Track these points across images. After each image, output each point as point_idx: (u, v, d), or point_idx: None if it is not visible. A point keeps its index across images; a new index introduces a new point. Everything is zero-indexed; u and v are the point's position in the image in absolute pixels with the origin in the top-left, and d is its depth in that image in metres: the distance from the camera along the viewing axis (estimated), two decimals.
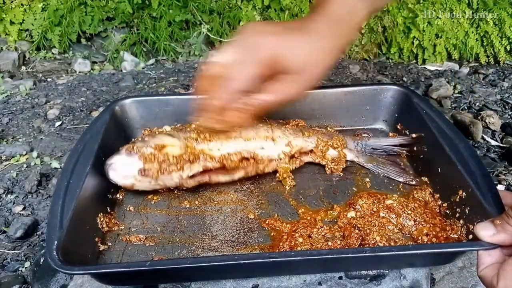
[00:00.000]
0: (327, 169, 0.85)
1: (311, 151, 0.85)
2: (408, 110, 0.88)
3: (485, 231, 0.57)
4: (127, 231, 0.73)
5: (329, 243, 0.68)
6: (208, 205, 0.78)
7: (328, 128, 0.92)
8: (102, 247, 0.68)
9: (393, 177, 0.83)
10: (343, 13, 0.68)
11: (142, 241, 0.70)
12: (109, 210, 0.75)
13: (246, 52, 0.64)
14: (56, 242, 0.57)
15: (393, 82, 1.57)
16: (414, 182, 0.81)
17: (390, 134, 0.92)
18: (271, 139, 0.81)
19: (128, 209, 0.77)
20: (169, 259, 0.66)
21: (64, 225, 0.60)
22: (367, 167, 0.86)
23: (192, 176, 0.76)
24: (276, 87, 0.66)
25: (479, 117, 1.37)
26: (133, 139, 0.85)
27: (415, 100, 0.87)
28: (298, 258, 0.58)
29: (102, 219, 0.71)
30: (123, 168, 0.74)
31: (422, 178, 0.81)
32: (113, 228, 0.73)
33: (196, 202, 0.79)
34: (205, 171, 0.77)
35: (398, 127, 0.91)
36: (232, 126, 0.72)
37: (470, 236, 0.64)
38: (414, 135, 0.86)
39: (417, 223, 0.71)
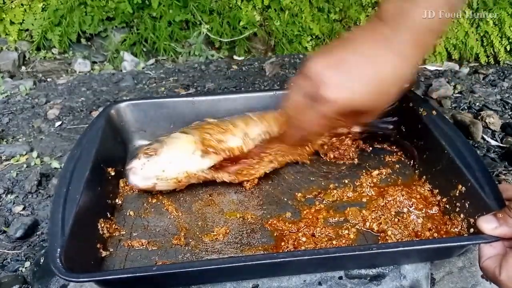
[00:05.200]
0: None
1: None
2: (407, 109, 0.88)
3: (487, 224, 0.58)
4: (128, 236, 0.72)
5: (334, 242, 0.68)
6: (209, 207, 0.78)
7: None
8: (104, 253, 0.68)
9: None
10: (427, 22, 0.58)
11: (144, 246, 0.70)
12: (109, 215, 0.74)
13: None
14: (59, 250, 0.57)
15: None
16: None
17: None
18: None
19: (128, 214, 0.76)
20: (176, 263, 0.65)
21: (65, 232, 0.60)
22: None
23: (215, 169, 0.78)
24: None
25: (479, 117, 1.36)
26: (146, 145, 0.82)
27: (413, 99, 0.87)
28: (306, 257, 0.58)
29: (102, 225, 0.70)
30: (144, 171, 0.75)
31: (421, 175, 0.81)
32: (114, 234, 0.72)
33: (197, 204, 0.79)
34: (226, 163, 0.79)
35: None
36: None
37: (471, 230, 0.65)
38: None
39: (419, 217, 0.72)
